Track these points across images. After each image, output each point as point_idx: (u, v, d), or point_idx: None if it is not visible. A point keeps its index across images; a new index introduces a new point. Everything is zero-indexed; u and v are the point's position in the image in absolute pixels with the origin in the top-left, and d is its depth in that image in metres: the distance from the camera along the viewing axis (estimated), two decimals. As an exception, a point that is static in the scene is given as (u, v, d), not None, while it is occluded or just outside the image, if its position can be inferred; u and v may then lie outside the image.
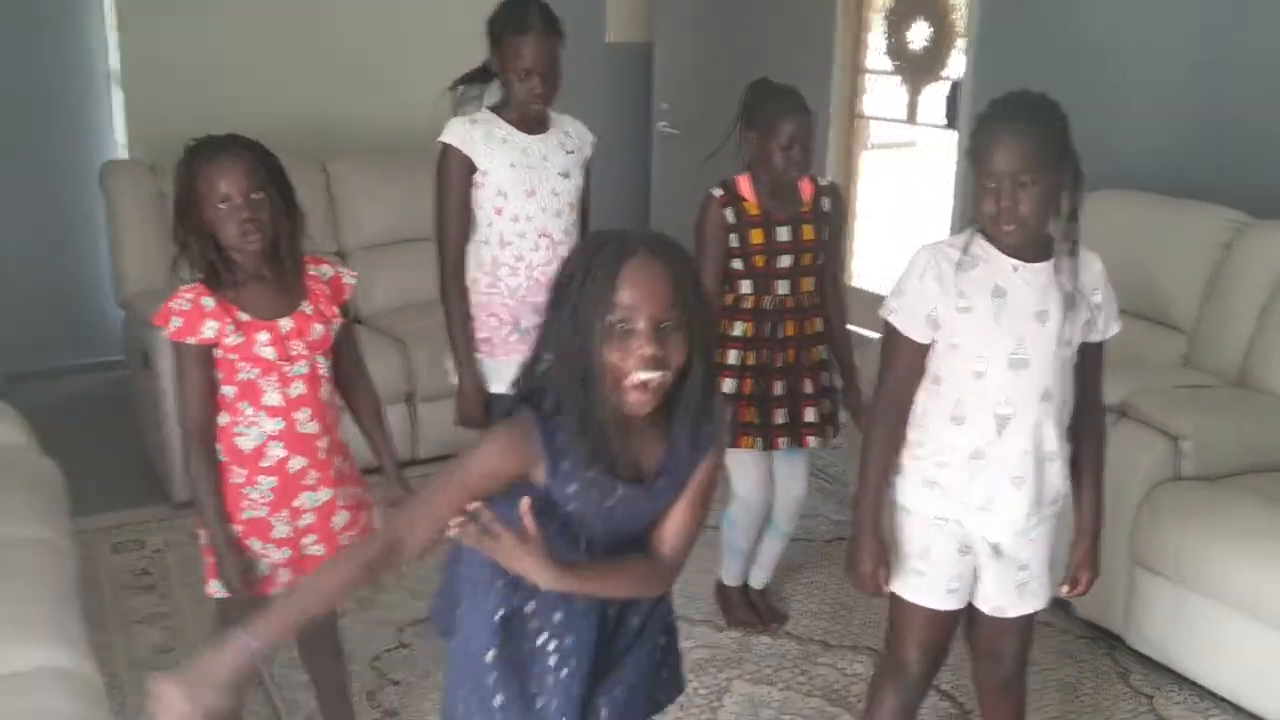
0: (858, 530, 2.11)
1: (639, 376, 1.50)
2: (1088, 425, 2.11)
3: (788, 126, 2.75)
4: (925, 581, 2.10)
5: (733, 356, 2.88)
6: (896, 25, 5.55)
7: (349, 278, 2.30)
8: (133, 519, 3.70)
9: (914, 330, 1.99)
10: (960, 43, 5.08)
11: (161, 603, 3.20)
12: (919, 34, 5.41)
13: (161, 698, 1.44)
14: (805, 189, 2.89)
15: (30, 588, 2.26)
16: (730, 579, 3.18)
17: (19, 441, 2.91)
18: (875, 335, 3.96)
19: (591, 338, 1.50)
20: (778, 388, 2.90)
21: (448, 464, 1.62)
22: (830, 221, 2.92)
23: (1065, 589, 2.20)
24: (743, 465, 2.99)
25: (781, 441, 2.93)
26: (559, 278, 1.58)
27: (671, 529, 1.68)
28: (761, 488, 3.01)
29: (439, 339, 2.86)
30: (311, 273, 2.23)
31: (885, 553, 2.10)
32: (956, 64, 5.14)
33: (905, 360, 2.03)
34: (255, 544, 2.20)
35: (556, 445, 1.56)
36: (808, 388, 2.93)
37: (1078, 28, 4.38)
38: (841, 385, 3.03)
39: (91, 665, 2.17)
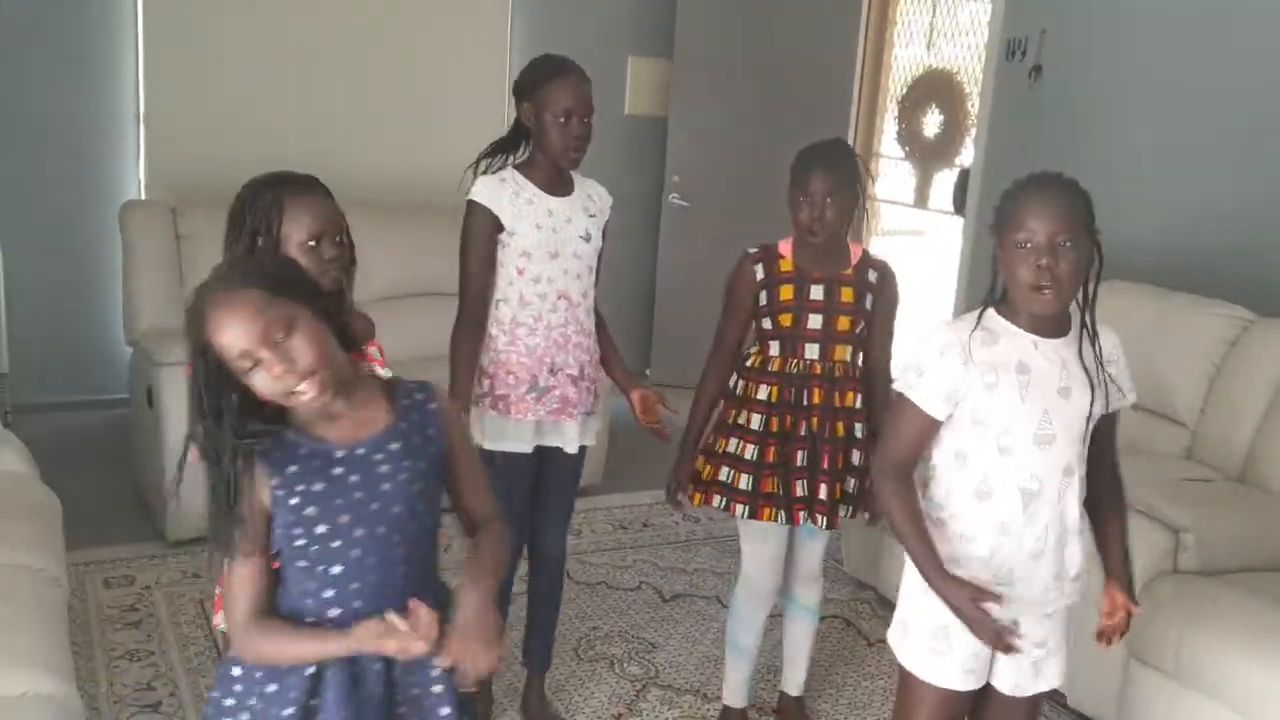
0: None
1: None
2: (1107, 490, 2.11)
3: (811, 180, 2.58)
4: (943, 661, 2.07)
5: (756, 422, 2.67)
6: (910, 112, 5.64)
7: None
8: (126, 555, 3.68)
9: (931, 406, 1.99)
10: (972, 131, 5.17)
11: (146, 640, 3.17)
12: (932, 121, 5.51)
13: None
14: (854, 253, 2.70)
15: (24, 615, 2.25)
16: (735, 697, 2.87)
17: (21, 471, 2.92)
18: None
19: None
20: (799, 458, 2.66)
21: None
22: (876, 295, 2.70)
23: (1104, 620, 2.14)
24: (756, 541, 2.76)
25: (801, 515, 2.66)
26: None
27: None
28: (769, 567, 2.77)
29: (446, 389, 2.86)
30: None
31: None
32: (967, 152, 5.22)
33: (914, 433, 2.03)
34: None
35: None
36: (824, 463, 2.67)
37: (1087, 119, 4.46)
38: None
39: (77, 696, 2.16)
